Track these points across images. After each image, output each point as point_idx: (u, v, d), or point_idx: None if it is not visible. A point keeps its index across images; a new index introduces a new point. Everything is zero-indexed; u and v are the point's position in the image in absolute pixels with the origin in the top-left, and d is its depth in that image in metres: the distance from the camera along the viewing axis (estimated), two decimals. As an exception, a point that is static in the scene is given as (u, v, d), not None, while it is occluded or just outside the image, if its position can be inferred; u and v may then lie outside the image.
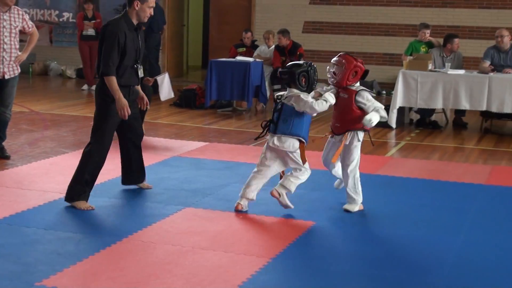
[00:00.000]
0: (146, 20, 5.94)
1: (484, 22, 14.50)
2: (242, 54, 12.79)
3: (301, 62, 5.92)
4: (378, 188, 6.79)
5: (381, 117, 5.75)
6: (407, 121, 11.13)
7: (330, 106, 5.77)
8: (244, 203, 5.85)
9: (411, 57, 10.82)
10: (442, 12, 14.82)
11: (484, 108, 10.20)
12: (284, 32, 12.19)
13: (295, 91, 5.72)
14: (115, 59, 5.70)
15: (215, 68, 11.75)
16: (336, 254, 4.88)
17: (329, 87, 6.00)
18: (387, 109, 10.45)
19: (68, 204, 5.81)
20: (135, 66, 5.91)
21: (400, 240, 5.24)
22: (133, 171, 6.39)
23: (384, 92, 15.05)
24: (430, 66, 10.58)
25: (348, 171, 5.89)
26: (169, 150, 8.35)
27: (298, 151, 5.73)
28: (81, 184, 5.82)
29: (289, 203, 5.85)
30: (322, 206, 6.06)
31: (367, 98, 5.78)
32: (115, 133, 6.09)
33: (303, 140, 5.75)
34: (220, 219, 5.64)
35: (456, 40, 11.06)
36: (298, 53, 12.19)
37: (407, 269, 4.63)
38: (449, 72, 10.37)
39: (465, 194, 6.62)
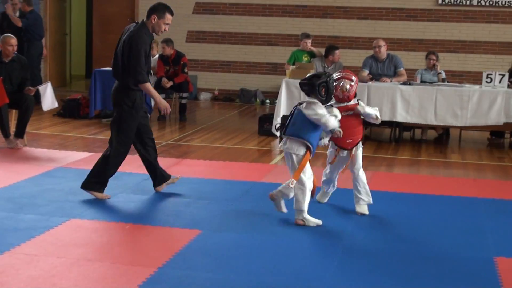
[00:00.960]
0: (159, 34, 6.45)
1: (362, 33, 14.98)
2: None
3: (320, 72, 6.13)
4: (262, 195, 6.87)
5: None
6: (290, 129, 11.32)
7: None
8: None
9: (294, 66, 11.03)
10: (323, 23, 15.19)
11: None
12: (167, 42, 12.16)
13: (314, 100, 5.91)
14: (144, 66, 6.24)
15: (99, 77, 11.59)
16: (221, 263, 4.91)
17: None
18: (271, 117, 10.65)
19: None
20: (149, 71, 6.50)
21: (284, 246, 5.31)
22: (159, 171, 6.80)
23: (268, 101, 15.25)
24: (311, 75, 10.81)
25: (360, 174, 6.30)
26: (53, 161, 8.17)
27: (301, 154, 5.86)
28: (102, 183, 6.48)
29: (282, 208, 6.12)
30: (208, 215, 6.09)
31: (364, 104, 6.27)
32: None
33: (310, 147, 5.85)
34: (106, 230, 5.57)
35: (337, 51, 11.37)
36: (181, 62, 12.20)
37: (291, 276, 4.71)
38: (330, 81, 10.63)
39: (346, 200, 6.80)
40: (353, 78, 6.20)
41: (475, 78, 13.19)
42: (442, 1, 14.72)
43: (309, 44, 11.77)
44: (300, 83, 6.05)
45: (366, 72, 10.93)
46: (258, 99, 15.34)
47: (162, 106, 6.48)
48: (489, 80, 10.39)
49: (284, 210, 6.11)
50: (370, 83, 10.55)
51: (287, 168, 6.05)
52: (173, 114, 12.47)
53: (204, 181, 7.42)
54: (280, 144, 6.06)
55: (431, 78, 11.19)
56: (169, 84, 12.06)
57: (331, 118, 5.83)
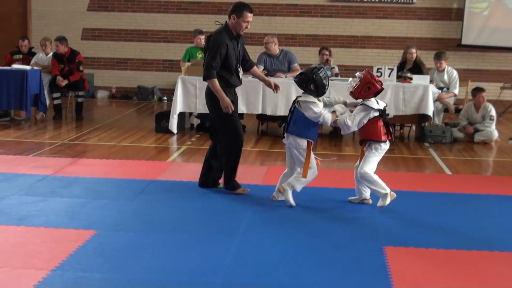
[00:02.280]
0: (242, 32, 6.63)
1: (258, 29, 15.08)
2: (18, 61, 12.33)
3: (307, 69, 6.42)
4: (159, 193, 6.84)
5: (339, 114, 6.35)
6: (188, 126, 11.32)
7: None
8: (277, 195, 6.60)
9: (189, 63, 11.01)
10: (218, 19, 15.15)
11: (259, 111, 10.62)
12: (61, 39, 11.90)
13: (308, 97, 6.30)
14: (216, 65, 6.49)
15: (-10, 76, 11.21)
16: (116, 262, 4.85)
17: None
18: (168, 114, 10.58)
19: None
20: (237, 69, 6.72)
21: (180, 244, 5.30)
22: (217, 171, 7.00)
23: (165, 98, 15.17)
24: (207, 72, 10.80)
25: (362, 172, 6.36)
26: None
27: (302, 149, 6.34)
28: (234, 178, 6.88)
29: (291, 200, 6.41)
30: (104, 215, 6.00)
31: (357, 109, 6.27)
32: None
33: (311, 140, 6.36)
34: (-3, 233, 5.40)
35: (231, 46, 11.40)
36: (76, 60, 11.97)
37: (187, 272, 4.70)
38: (225, 78, 10.66)
39: (243, 195, 6.85)
40: (358, 74, 6.28)
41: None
42: (334, -3, 15.01)
43: (202, 41, 11.74)
44: (294, 81, 6.50)
45: (261, 68, 11.02)
46: (155, 96, 15.24)
47: (223, 104, 6.56)
48: (379, 74, 10.66)
49: (292, 203, 6.41)
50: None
51: (286, 159, 6.69)
52: (69, 113, 12.22)
53: (101, 180, 7.30)
54: (284, 139, 6.57)
55: (324, 73, 11.38)
56: (64, 82, 11.81)
57: (327, 114, 6.20)
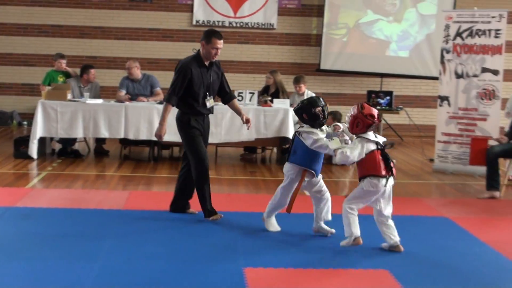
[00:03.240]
0: (213, 59, 6.66)
1: (120, 53, 14.99)
2: None
3: (301, 100, 6.32)
4: (17, 220, 6.63)
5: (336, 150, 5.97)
6: (49, 151, 11.04)
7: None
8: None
9: (50, 87, 10.77)
10: (80, 43, 14.99)
11: (122, 135, 10.52)
12: None
13: (309, 127, 6.19)
14: (177, 90, 6.60)
15: None
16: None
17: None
18: (27, 139, 10.28)
19: None
20: (204, 98, 6.71)
21: (36, 272, 5.16)
22: (185, 197, 7.05)
23: (25, 122, 14.74)
24: (69, 96, 10.64)
25: (345, 202, 6.08)
26: None
27: (292, 174, 6.31)
28: (208, 207, 6.88)
29: (329, 230, 6.43)
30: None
31: (354, 141, 5.99)
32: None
33: (306, 169, 6.25)
34: None
35: (92, 70, 11.27)
36: None
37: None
38: (87, 102, 10.52)
39: (103, 220, 6.76)
40: (352, 109, 6.00)
41: (229, 96, 13.64)
42: (196, 22, 15.15)
43: (63, 64, 11.54)
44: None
45: (123, 92, 10.95)
46: (14, 121, 14.77)
47: (157, 131, 6.77)
48: (240, 98, 10.84)
49: (332, 230, 6.43)
50: (127, 103, 10.57)
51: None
52: None
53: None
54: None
55: (187, 97, 11.45)
56: None
57: (328, 142, 6.03)
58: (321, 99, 6.26)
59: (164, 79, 13.79)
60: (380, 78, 15.27)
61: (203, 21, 15.15)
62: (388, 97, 13.83)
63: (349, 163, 5.98)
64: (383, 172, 5.87)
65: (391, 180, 5.91)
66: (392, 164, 5.93)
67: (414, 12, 15.00)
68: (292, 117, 10.76)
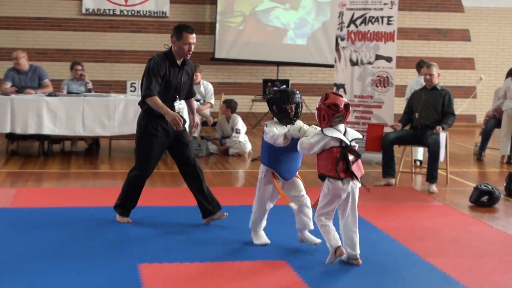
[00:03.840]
0: (187, 56, 6.17)
1: (4, 43, 14.55)
2: None
3: (274, 89, 5.83)
4: None
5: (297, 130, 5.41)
6: None
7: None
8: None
9: None
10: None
11: (8, 130, 10.21)
12: None
13: (273, 122, 5.71)
14: (155, 85, 6.01)
15: None
16: None
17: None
18: None
19: None
20: (173, 100, 6.23)
21: None
22: (207, 203, 6.54)
23: None
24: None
25: (315, 216, 5.51)
26: None
27: (260, 176, 5.79)
28: (123, 206, 6.52)
29: (314, 240, 5.81)
30: None
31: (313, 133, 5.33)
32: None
33: (271, 169, 5.72)
34: None
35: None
36: None
37: None
38: (-31, 95, 10.15)
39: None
40: (321, 102, 5.32)
41: (122, 87, 13.48)
42: (86, 10, 14.86)
43: None
44: None
45: (8, 85, 10.64)
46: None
47: (170, 118, 6.01)
48: (133, 89, 10.72)
49: (317, 240, 5.77)
50: (13, 95, 10.26)
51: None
52: None
53: None
54: None
55: (78, 88, 11.24)
56: None
57: (275, 133, 5.46)
58: (298, 95, 5.64)
59: (53, 70, 13.52)
60: (276, 66, 15.42)
61: (93, 9, 14.88)
62: (284, 86, 14.01)
63: (303, 150, 5.36)
64: (340, 174, 5.21)
65: (351, 184, 5.29)
66: (358, 167, 5.30)
67: (311, 0, 15.23)
68: (186, 107, 10.70)
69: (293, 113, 5.60)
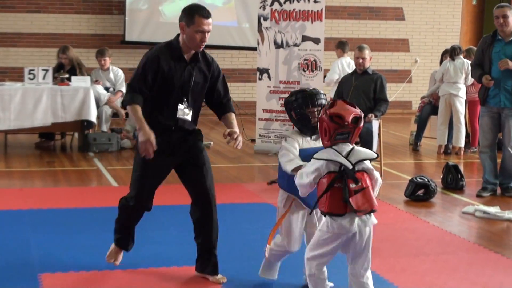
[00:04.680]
0: (199, 48, 5.06)
1: None
2: None
3: (295, 91, 5.00)
4: None
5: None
6: None
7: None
8: None
9: None
10: None
11: None
12: None
13: (293, 133, 4.96)
14: (141, 85, 5.00)
15: None
16: None
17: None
18: None
19: None
20: (176, 104, 5.10)
21: None
22: (202, 253, 5.38)
23: None
24: None
25: (305, 257, 4.67)
26: None
27: (279, 207, 5.06)
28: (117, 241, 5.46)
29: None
30: None
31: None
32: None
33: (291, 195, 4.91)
34: None
35: None
36: None
37: None
38: None
39: None
40: (323, 111, 4.52)
41: (19, 74, 13.21)
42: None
43: None
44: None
45: None
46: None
47: (140, 139, 4.93)
48: (32, 76, 10.55)
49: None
50: None
51: None
52: None
53: None
54: None
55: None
56: None
57: (291, 163, 4.68)
58: (322, 96, 4.89)
59: None
60: (193, 49, 15.37)
61: (-16, -14, 14.53)
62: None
63: (303, 194, 4.57)
64: (336, 209, 4.35)
65: (358, 220, 4.39)
66: (359, 198, 4.35)
67: (229, -25, 15.25)
68: (100, 96, 10.59)
69: (316, 120, 4.78)
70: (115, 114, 11.48)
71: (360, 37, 16.12)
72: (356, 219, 4.36)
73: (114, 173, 9.16)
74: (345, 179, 4.30)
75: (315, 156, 4.37)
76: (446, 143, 11.19)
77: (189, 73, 5.08)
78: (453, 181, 8.61)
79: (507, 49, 8.06)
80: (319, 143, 4.71)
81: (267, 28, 10.89)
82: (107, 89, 11.44)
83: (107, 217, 6.73)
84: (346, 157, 4.33)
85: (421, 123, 11.58)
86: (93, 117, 10.54)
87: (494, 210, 7.38)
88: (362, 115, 4.39)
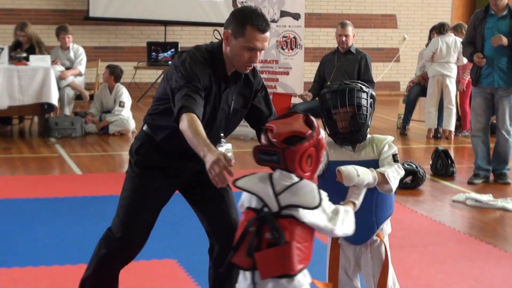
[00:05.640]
0: (245, 70, 4.05)
1: None
2: None
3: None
4: None
5: None
6: None
7: None
8: None
9: None
10: None
11: None
12: None
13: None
14: (194, 93, 3.86)
15: None
16: None
17: None
18: None
19: None
20: (217, 139, 3.98)
21: None
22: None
23: None
24: None
25: None
26: None
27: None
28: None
29: None
30: None
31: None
32: None
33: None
34: None
35: None
36: None
37: None
38: None
39: None
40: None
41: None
42: None
43: None
44: None
45: None
46: None
47: (209, 164, 3.53)
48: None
49: None
50: None
51: None
52: None
53: None
54: None
55: None
56: None
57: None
58: (357, 94, 4.02)
59: None
60: (163, 26, 15.34)
61: None
62: (173, 50, 13.96)
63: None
64: (241, 262, 3.32)
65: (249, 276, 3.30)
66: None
67: None
68: (54, 78, 10.54)
69: (344, 125, 3.98)
70: (78, 97, 11.45)
71: (344, 12, 16.14)
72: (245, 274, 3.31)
73: (78, 160, 9.15)
74: (260, 224, 3.27)
75: (235, 182, 3.36)
76: (436, 126, 11.25)
77: (229, 96, 4.12)
78: (443, 167, 8.66)
79: (500, 24, 8.11)
80: (358, 156, 4.03)
81: (242, 2, 10.88)
82: (67, 68, 11.39)
83: (71, 207, 6.80)
84: (278, 194, 3.30)
85: (410, 105, 11.63)
86: (54, 100, 10.50)
87: (486, 198, 7.45)
88: (310, 134, 3.31)
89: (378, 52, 16.39)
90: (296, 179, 3.32)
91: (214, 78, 4.03)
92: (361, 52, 9.27)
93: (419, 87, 11.62)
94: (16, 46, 11.25)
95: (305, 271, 3.30)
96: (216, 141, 3.90)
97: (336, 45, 9.61)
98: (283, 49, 10.71)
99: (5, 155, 9.42)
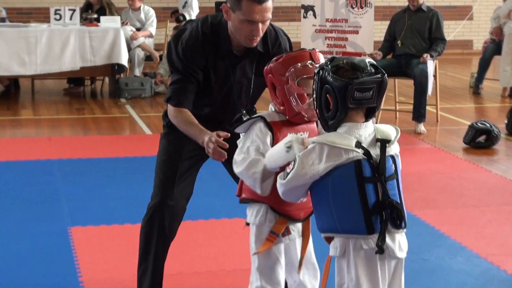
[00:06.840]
0: (251, 44, 3.84)
1: None
2: None
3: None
4: None
5: None
6: None
7: None
8: None
9: None
10: None
11: None
12: None
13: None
14: (185, 84, 3.92)
15: None
16: None
17: None
18: None
19: None
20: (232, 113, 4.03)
21: None
22: None
23: None
24: None
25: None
26: None
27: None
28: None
29: None
30: None
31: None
32: None
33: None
34: None
35: None
36: None
37: None
38: None
39: None
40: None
41: (45, 15, 13.27)
42: None
43: None
44: None
45: None
46: None
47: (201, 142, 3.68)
48: (58, 17, 10.61)
49: None
50: None
51: None
52: None
53: None
54: None
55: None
56: None
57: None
58: (369, 65, 3.12)
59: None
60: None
61: None
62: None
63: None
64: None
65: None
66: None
67: None
68: (124, 39, 10.60)
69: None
70: (148, 57, 11.51)
71: (415, -31, 15.86)
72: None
73: (147, 120, 9.23)
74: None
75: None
76: (511, 85, 11.06)
77: (233, 74, 3.98)
78: (518, 126, 8.54)
79: None
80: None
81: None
82: (138, 29, 11.45)
83: (141, 166, 6.87)
84: None
85: (484, 64, 11.43)
86: (124, 61, 10.60)
87: (562, 157, 7.33)
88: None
89: (450, 10, 16.11)
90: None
91: (218, 54, 3.92)
92: (433, 10, 9.11)
93: (494, 45, 11.40)
94: (87, 8, 11.37)
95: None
96: (234, 113, 4.00)
97: (406, 3, 9.47)
98: (352, 7, 10.56)
99: (78, 116, 9.56)
